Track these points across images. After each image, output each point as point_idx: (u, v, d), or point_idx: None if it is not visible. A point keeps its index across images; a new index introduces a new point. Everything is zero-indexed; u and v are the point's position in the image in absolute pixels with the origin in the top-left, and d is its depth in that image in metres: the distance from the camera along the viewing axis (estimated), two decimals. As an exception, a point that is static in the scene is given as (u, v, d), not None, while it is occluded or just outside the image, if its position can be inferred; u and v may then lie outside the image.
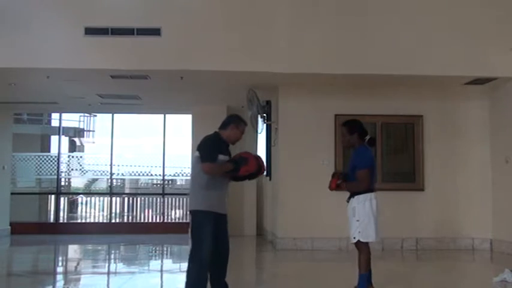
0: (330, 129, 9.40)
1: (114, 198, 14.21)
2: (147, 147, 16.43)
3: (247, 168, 4.74)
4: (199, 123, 11.79)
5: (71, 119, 17.62)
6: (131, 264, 8.95)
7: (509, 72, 8.71)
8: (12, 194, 12.73)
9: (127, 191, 15.15)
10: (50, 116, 17.67)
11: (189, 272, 4.67)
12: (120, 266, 9.19)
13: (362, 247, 5.07)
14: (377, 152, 9.59)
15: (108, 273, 8.28)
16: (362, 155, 5.11)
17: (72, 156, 15.44)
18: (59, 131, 14.39)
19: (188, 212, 4.81)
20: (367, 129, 5.27)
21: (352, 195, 5.11)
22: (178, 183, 15.09)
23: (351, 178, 5.12)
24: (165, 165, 13.73)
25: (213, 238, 4.63)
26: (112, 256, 10.23)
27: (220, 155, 4.70)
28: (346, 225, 5.23)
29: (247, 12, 8.58)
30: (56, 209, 13.87)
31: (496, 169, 9.34)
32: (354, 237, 5.06)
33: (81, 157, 15.46)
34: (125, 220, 14.18)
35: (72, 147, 18.14)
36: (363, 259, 5.06)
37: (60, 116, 14.65)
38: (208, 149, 4.68)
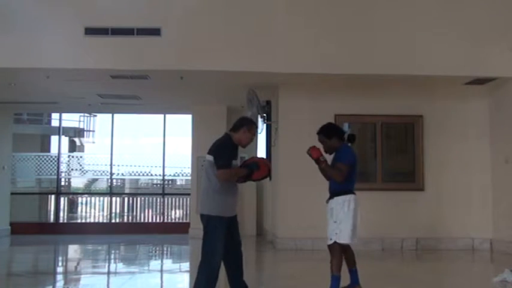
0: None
1: (114, 198, 14.21)
2: (147, 147, 16.44)
3: (260, 172, 4.78)
4: (199, 123, 11.81)
5: (71, 119, 17.62)
6: (131, 264, 8.95)
7: (509, 72, 8.71)
8: (12, 194, 12.73)
9: (127, 191, 15.15)
10: (50, 116, 17.67)
11: (199, 278, 4.61)
12: (120, 266, 9.20)
13: (335, 249, 5.04)
14: (377, 152, 9.62)
15: (108, 273, 8.28)
16: (344, 151, 5.14)
17: (72, 156, 15.45)
18: (59, 131, 14.39)
19: (200, 215, 4.70)
20: (342, 128, 5.34)
21: (331, 197, 5.14)
22: (178, 183, 15.09)
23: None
24: (165, 165, 13.74)
25: (225, 243, 4.65)
26: (112, 256, 10.23)
27: (233, 160, 4.69)
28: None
29: (247, 12, 8.57)
30: (56, 209, 13.87)
31: (496, 169, 9.34)
32: (330, 239, 5.04)
33: (81, 157, 15.46)
34: (125, 220, 14.19)
35: (72, 147, 18.14)
36: (335, 261, 5.02)
37: (60, 116, 14.66)
38: (224, 155, 4.61)
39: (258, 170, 4.77)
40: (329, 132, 5.23)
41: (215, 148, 4.70)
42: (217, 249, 4.61)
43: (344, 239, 4.99)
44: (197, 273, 4.64)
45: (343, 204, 5.01)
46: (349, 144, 5.28)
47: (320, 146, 5.28)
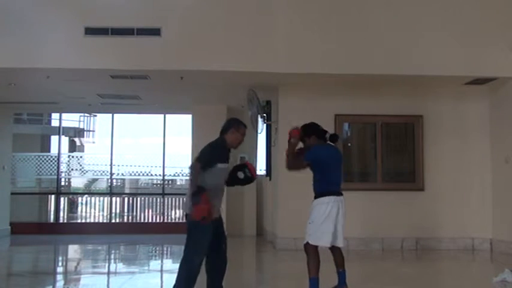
0: (329, 129, 9.31)
1: (114, 198, 14.19)
2: (147, 147, 16.44)
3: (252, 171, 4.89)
4: (199, 123, 11.80)
5: (71, 119, 17.64)
6: (131, 264, 8.95)
7: (509, 72, 8.71)
8: (12, 194, 12.72)
9: (127, 191, 15.13)
10: (50, 116, 17.67)
11: (179, 277, 4.65)
12: (120, 266, 9.20)
13: (310, 250, 5.02)
14: (377, 152, 9.62)
15: (108, 273, 8.28)
16: (312, 149, 5.16)
17: (72, 156, 15.46)
18: (59, 131, 14.38)
19: (186, 215, 4.74)
20: (323, 129, 5.31)
21: (314, 197, 5.13)
22: (178, 183, 15.07)
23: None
24: (165, 165, 13.73)
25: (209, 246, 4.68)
26: (112, 256, 10.23)
27: (219, 163, 4.70)
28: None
29: (247, 12, 8.58)
30: (56, 209, 13.87)
31: (496, 169, 9.34)
32: (304, 239, 5.06)
33: (81, 157, 15.47)
34: (125, 220, 14.17)
35: (72, 147, 18.15)
36: (310, 263, 5.00)
37: (60, 116, 14.66)
38: (205, 154, 4.68)
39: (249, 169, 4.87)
40: (307, 130, 5.27)
41: (202, 151, 4.76)
42: (200, 249, 4.62)
43: (318, 240, 4.98)
44: (178, 271, 4.67)
45: (320, 205, 4.99)
46: (332, 144, 5.30)
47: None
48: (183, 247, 4.72)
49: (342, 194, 5.10)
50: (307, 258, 5.03)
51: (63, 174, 14.24)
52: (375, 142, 9.69)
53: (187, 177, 13.39)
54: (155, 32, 8.31)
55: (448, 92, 9.66)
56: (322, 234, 4.95)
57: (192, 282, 4.65)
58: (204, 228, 4.60)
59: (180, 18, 8.45)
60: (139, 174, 14.71)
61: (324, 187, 5.04)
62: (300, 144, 5.32)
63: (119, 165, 14.08)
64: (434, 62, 8.60)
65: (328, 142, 5.27)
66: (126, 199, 14.51)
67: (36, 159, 14.11)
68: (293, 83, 9.30)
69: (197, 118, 11.95)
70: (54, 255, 10.43)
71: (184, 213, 4.81)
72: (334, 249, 5.15)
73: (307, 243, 5.01)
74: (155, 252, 10.79)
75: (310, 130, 5.26)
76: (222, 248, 4.86)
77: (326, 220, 4.94)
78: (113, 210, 14.15)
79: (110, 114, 13.63)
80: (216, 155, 4.72)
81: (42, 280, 7.30)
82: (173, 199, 14.28)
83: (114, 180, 14.31)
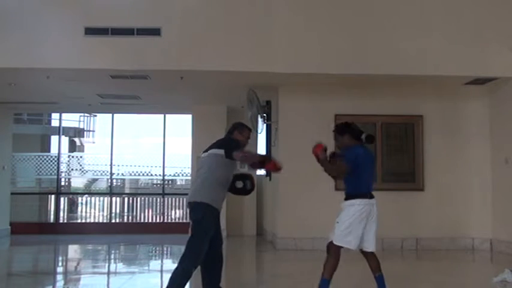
0: (330, 129, 9.35)
1: (114, 198, 14.20)
2: (147, 147, 16.44)
3: (271, 165, 4.84)
4: (199, 123, 11.81)
5: (71, 119, 17.64)
6: (131, 264, 8.95)
7: (509, 72, 8.71)
8: (12, 194, 12.72)
9: (127, 191, 15.14)
10: (50, 116, 17.68)
11: (175, 276, 4.61)
12: (120, 266, 9.20)
13: (332, 250, 4.88)
14: (377, 152, 9.60)
15: (108, 273, 8.28)
16: (351, 150, 4.98)
17: (72, 156, 15.47)
18: (59, 131, 14.38)
19: (192, 203, 4.68)
20: (361, 129, 5.11)
21: (345, 198, 4.96)
22: (178, 183, 15.08)
23: None
24: (165, 165, 13.73)
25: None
26: (112, 256, 10.23)
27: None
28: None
29: (247, 12, 8.58)
30: (56, 209, 13.86)
31: (496, 169, 9.34)
32: (329, 237, 4.92)
33: (81, 157, 15.47)
34: (125, 220, 14.18)
35: (72, 147, 18.15)
36: (328, 263, 4.86)
37: (60, 116, 14.65)
38: (234, 145, 4.73)
39: (269, 163, 4.84)
40: (342, 129, 5.13)
41: (224, 142, 4.81)
42: (200, 250, 4.58)
43: (343, 242, 4.82)
44: (173, 271, 4.59)
45: (350, 207, 4.82)
46: (366, 145, 5.10)
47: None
48: (183, 247, 4.69)
49: (373, 197, 4.92)
50: (327, 257, 4.91)
51: (63, 174, 14.25)
52: (375, 142, 9.68)
53: (188, 177, 13.47)
54: (155, 32, 8.31)
55: (448, 92, 9.66)
56: (348, 235, 4.79)
57: (187, 279, 4.62)
58: (213, 213, 4.63)
59: (180, 18, 8.45)
60: (139, 174, 14.72)
61: (357, 189, 4.87)
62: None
63: (118, 165, 14.09)
64: (434, 62, 8.60)
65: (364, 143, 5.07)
66: (126, 199, 14.51)
67: (36, 159, 14.11)
68: (293, 83, 9.30)
69: (197, 118, 11.96)
70: (54, 255, 10.44)
71: (191, 201, 4.70)
72: (367, 254, 4.96)
73: (331, 242, 4.88)
74: (155, 252, 10.79)
75: (345, 129, 5.11)
76: (218, 243, 4.84)
77: (354, 222, 4.77)
78: (113, 210, 14.16)
79: (110, 114, 13.63)
80: (236, 146, 4.72)
81: (42, 280, 7.30)
82: (173, 199, 14.28)
83: (114, 180, 14.31)
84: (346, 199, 4.92)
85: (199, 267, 4.75)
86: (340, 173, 4.95)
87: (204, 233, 4.61)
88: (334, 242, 4.85)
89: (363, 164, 4.93)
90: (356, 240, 4.80)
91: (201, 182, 4.75)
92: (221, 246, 4.92)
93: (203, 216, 4.63)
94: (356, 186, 4.88)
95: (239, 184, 4.90)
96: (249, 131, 5.04)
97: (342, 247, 4.85)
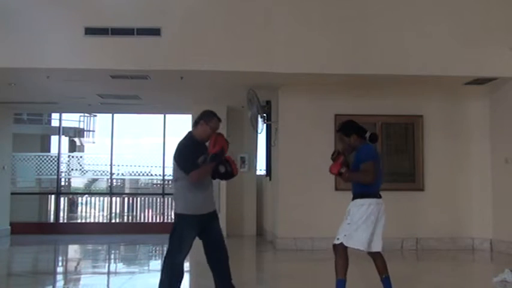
0: (330, 129, 9.39)
1: (114, 198, 14.19)
2: (147, 147, 16.44)
3: (221, 151, 4.63)
4: (199, 123, 11.78)
5: (71, 119, 17.64)
6: (131, 264, 8.95)
7: (509, 72, 8.71)
8: (12, 194, 12.71)
9: (127, 191, 15.13)
10: (50, 116, 17.67)
11: (163, 275, 4.70)
12: (120, 266, 9.20)
13: (339, 250, 4.77)
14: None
15: (108, 273, 8.28)
16: (365, 149, 4.82)
17: (72, 156, 15.45)
18: (59, 131, 14.38)
19: (173, 214, 4.75)
20: (364, 127, 4.96)
21: (352, 199, 4.86)
22: (178, 183, 15.06)
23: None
24: (165, 165, 13.72)
25: (204, 244, 4.72)
26: (112, 256, 10.23)
27: (197, 160, 4.59)
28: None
29: (247, 12, 8.57)
30: (56, 209, 13.86)
31: (496, 169, 9.34)
32: (338, 239, 4.77)
33: (81, 157, 15.46)
34: (125, 220, 14.17)
35: (72, 147, 18.15)
36: (339, 264, 4.76)
37: (60, 116, 14.65)
38: (185, 159, 4.56)
39: (221, 151, 4.62)
40: (348, 129, 4.93)
41: (176, 153, 4.65)
42: (183, 246, 4.61)
43: (353, 243, 4.71)
44: (161, 270, 4.70)
45: (361, 207, 4.71)
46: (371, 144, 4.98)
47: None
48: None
49: (381, 197, 4.82)
50: (336, 258, 4.79)
51: (63, 174, 14.24)
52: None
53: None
54: (155, 32, 8.31)
55: (448, 92, 9.66)
56: (358, 236, 4.69)
57: (176, 281, 4.64)
58: (188, 221, 4.60)
59: (180, 18, 8.45)
60: (139, 174, 14.72)
61: (365, 188, 4.75)
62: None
63: (118, 165, 14.08)
64: (434, 62, 8.60)
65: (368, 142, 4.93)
66: (126, 199, 14.51)
67: (36, 159, 14.11)
68: (293, 83, 9.30)
69: (197, 118, 11.94)
70: (54, 255, 10.44)
71: (174, 212, 4.80)
72: (374, 255, 4.89)
73: (340, 243, 4.75)
74: (155, 252, 10.79)
75: (351, 129, 4.92)
76: (218, 239, 4.81)
77: (365, 222, 4.68)
78: (113, 210, 14.15)
79: (110, 114, 13.63)
80: (191, 153, 4.57)
81: (42, 280, 7.31)
82: (173, 199, 14.26)
83: (114, 180, 14.31)
84: (354, 199, 4.82)
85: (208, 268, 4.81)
86: (370, 176, 4.69)
87: (177, 240, 4.64)
88: (346, 244, 4.74)
89: (379, 163, 4.83)
90: (365, 241, 4.71)
91: (174, 191, 4.76)
92: (222, 243, 4.84)
93: (174, 227, 4.69)
94: (365, 185, 4.75)
95: (222, 169, 4.69)
96: (218, 121, 4.75)
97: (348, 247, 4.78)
